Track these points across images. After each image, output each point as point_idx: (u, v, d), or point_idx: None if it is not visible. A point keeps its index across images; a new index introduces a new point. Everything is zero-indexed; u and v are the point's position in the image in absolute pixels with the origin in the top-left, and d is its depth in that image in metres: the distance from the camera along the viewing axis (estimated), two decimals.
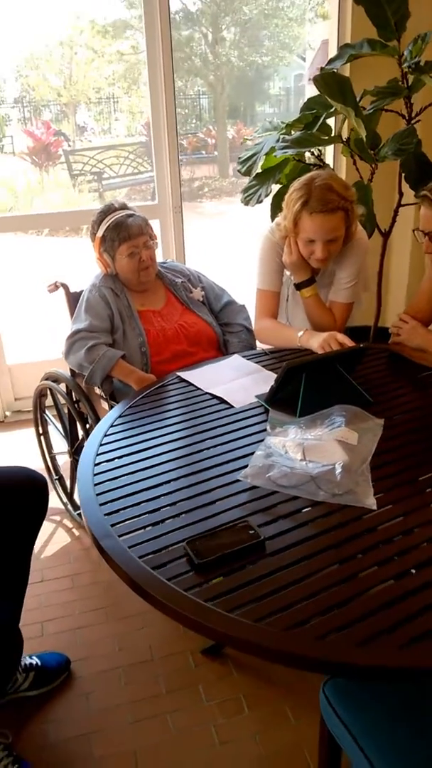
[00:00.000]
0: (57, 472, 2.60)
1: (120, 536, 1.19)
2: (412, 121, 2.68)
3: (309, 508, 1.25)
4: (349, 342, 1.83)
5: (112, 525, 1.23)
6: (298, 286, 2.12)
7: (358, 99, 2.53)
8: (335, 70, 2.70)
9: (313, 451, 1.34)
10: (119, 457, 1.49)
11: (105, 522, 1.23)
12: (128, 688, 1.82)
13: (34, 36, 14.10)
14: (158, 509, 1.28)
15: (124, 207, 2.23)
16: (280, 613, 1.01)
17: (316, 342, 1.91)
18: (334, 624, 0.99)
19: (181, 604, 1.03)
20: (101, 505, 1.29)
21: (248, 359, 2.04)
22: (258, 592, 1.05)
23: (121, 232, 2.16)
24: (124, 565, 1.12)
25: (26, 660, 1.81)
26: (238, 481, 1.34)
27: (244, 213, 2.88)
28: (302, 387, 1.59)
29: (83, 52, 13.06)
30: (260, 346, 2.35)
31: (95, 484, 1.36)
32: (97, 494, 1.32)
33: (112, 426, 1.63)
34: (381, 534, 1.18)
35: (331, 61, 2.82)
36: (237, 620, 1.00)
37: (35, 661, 1.82)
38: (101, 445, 1.53)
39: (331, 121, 2.90)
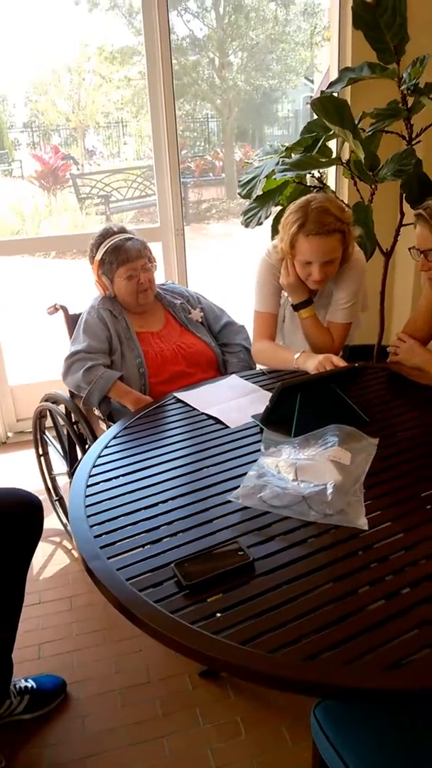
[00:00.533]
0: (57, 493, 2.60)
1: (109, 558, 1.19)
2: (413, 143, 2.70)
3: (301, 529, 1.24)
4: (343, 364, 1.83)
5: (102, 547, 1.22)
6: (296, 307, 2.12)
7: (357, 121, 2.56)
8: (335, 94, 2.73)
9: (306, 471, 1.34)
10: (112, 478, 1.48)
11: (94, 543, 1.23)
12: (125, 711, 1.79)
13: (43, 62, 14.38)
14: (149, 530, 1.27)
15: (122, 231, 2.25)
16: (266, 635, 1.00)
17: (312, 364, 1.90)
18: (321, 645, 0.97)
19: (169, 626, 1.02)
20: (92, 526, 1.28)
21: (246, 379, 2.04)
22: (246, 614, 1.04)
23: (119, 255, 2.17)
24: (112, 587, 1.11)
25: (21, 683, 1.79)
26: (231, 501, 1.34)
27: (250, 234, 2.90)
28: (297, 407, 1.59)
29: (91, 77, 13.29)
30: (259, 366, 2.35)
31: (86, 506, 1.36)
32: (88, 515, 1.32)
33: (106, 447, 1.63)
34: (373, 554, 1.17)
35: (331, 84, 2.85)
36: (224, 643, 0.99)
37: (31, 684, 1.80)
38: (95, 466, 1.53)
39: (332, 143, 2.93)
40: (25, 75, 13.90)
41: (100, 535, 1.26)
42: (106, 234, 2.23)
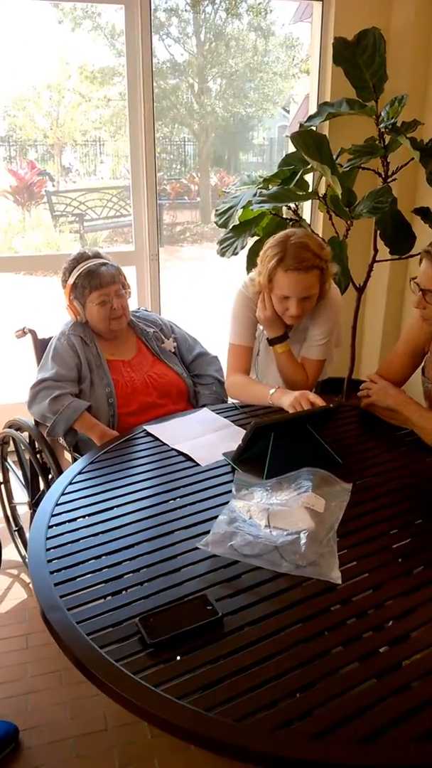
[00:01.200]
0: (17, 523, 2.50)
1: (69, 609, 1.12)
2: (388, 180, 2.72)
3: (272, 581, 1.18)
4: (320, 401, 1.80)
5: (62, 596, 1.15)
6: (271, 342, 2.09)
7: (335, 156, 2.57)
8: (314, 127, 2.74)
9: (279, 518, 1.29)
10: (77, 518, 1.41)
11: (54, 592, 1.15)
12: (80, 762, 1.70)
13: (23, 78, 14.36)
14: (114, 579, 1.21)
15: (97, 255, 2.20)
16: (234, 701, 0.94)
17: (288, 401, 1.87)
18: (289, 714, 0.92)
19: (130, 689, 0.96)
20: (52, 573, 1.21)
21: (218, 413, 1.99)
22: (212, 676, 0.98)
23: (92, 280, 2.12)
24: (70, 642, 1.05)
25: None
26: (199, 548, 1.28)
27: (223, 259, 2.88)
28: (270, 447, 1.54)
29: (71, 96, 13.30)
30: (231, 399, 2.31)
31: (47, 549, 1.29)
32: (48, 560, 1.25)
33: (71, 483, 1.56)
34: (347, 610, 1.12)
35: (310, 118, 2.87)
36: (188, 709, 0.93)
37: None
38: (58, 504, 1.46)
39: (309, 177, 2.94)
40: (4, 89, 13.83)
41: (60, 583, 1.19)
42: (80, 258, 2.18)
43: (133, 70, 2.98)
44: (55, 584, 1.18)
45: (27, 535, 2.44)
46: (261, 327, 2.14)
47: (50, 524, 1.38)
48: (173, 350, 2.32)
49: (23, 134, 14.95)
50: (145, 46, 2.93)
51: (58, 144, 14.00)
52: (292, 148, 2.71)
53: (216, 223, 2.77)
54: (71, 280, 2.14)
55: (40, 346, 2.29)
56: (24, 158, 14.16)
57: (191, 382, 2.30)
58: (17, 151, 15.91)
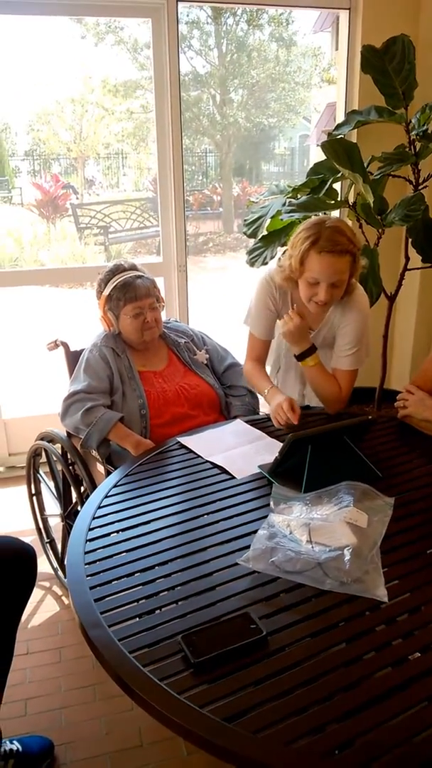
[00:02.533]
0: (48, 535, 2.50)
1: (110, 626, 1.10)
2: (420, 187, 2.69)
3: (315, 599, 1.16)
4: (294, 418, 1.88)
5: (102, 612, 1.13)
6: (300, 358, 2.06)
7: (365, 164, 2.54)
8: (343, 136, 2.72)
9: (320, 533, 1.26)
10: (113, 533, 1.40)
11: (95, 609, 1.14)
12: None
13: (47, 92, 14.58)
14: (153, 595, 1.19)
15: (133, 267, 2.20)
16: (281, 724, 0.91)
17: (272, 405, 1.90)
18: (334, 741, 0.89)
19: (176, 710, 0.94)
20: (91, 588, 1.20)
21: (251, 424, 1.97)
22: (257, 698, 0.96)
23: (127, 293, 2.12)
24: (113, 660, 1.03)
25: (6, 745, 1.68)
26: (238, 564, 1.25)
27: (246, 268, 2.88)
28: (308, 460, 1.52)
29: (94, 109, 13.46)
30: (263, 410, 2.29)
31: (86, 564, 1.27)
32: (88, 575, 1.24)
33: (107, 497, 1.55)
34: (393, 630, 1.09)
35: (338, 126, 2.85)
36: (235, 732, 0.90)
37: (16, 746, 1.69)
38: (94, 518, 1.45)
39: (337, 185, 2.92)
40: (29, 104, 14.07)
41: (100, 599, 1.17)
42: (116, 270, 2.18)
43: (160, 83, 2.99)
44: (95, 600, 1.17)
45: (59, 546, 2.44)
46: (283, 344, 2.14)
47: (87, 538, 1.37)
48: (206, 362, 2.31)
49: (47, 148, 15.17)
50: (172, 58, 2.94)
51: (82, 157, 14.17)
52: (313, 157, 2.70)
53: (245, 233, 2.76)
54: (107, 292, 2.14)
55: (72, 358, 2.29)
56: (48, 172, 14.35)
57: (223, 393, 2.28)
58: (41, 165, 16.14)
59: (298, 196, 2.64)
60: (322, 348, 2.11)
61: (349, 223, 3.15)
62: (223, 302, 7.34)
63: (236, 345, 2.51)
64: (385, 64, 2.67)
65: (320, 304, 1.94)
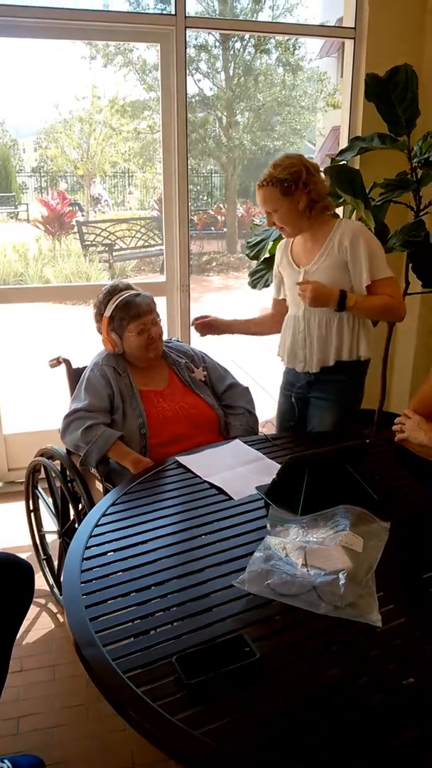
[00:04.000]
0: (45, 551, 2.50)
1: (105, 645, 1.10)
2: (421, 214, 2.73)
3: (309, 623, 1.16)
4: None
5: (97, 632, 1.14)
6: (340, 308, 2.07)
7: (367, 190, 2.58)
8: (346, 162, 2.76)
9: (316, 556, 1.27)
10: (109, 552, 1.41)
11: (89, 627, 1.14)
12: None
13: (55, 111, 14.77)
14: (149, 615, 1.19)
15: (129, 287, 2.23)
16: (274, 748, 0.92)
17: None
18: (333, 765, 0.89)
19: (169, 732, 0.94)
20: (87, 607, 1.20)
21: (250, 445, 1.98)
22: (251, 721, 0.96)
23: (130, 310, 2.14)
24: (107, 680, 1.03)
25: None
26: (234, 586, 1.26)
27: (249, 288, 2.91)
28: (305, 482, 1.53)
29: (101, 128, 13.62)
30: (262, 431, 2.30)
31: (82, 582, 1.28)
32: (83, 594, 1.24)
33: (104, 515, 1.56)
34: (387, 655, 1.09)
35: (342, 152, 2.89)
36: (228, 755, 0.90)
37: (7, 765, 1.68)
38: (91, 536, 1.46)
39: (339, 210, 2.95)
40: (37, 122, 14.23)
41: (95, 618, 1.18)
42: (113, 291, 2.20)
43: (168, 104, 3.04)
44: (90, 619, 1.17)
45: (55, 564, 2.43)
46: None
47: (84, 557, 1.37)
48: (203, 379, 2.32)
49: (54, 165, 15.33)
50: (179, 80, 3.00)
51: (88, 175, 14.31)
52: None
53: (247, 255, 2.80)
54: (108, 313, 2.16)
55: (74, 375, 2.30)
56: (54, 189, 14.49)
57: (222, 413, 2.29)
58: (48, 182, 16.30)
59: None
60: (325, 260, 2.12)
61: None
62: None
63: (241, 364, 2.53)
64: (388, 93, 2.72)
65: (269, 225, 2.19)
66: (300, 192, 2.05)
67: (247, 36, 12.66)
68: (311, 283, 2.06)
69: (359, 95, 3.18)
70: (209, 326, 2.36)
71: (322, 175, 2.13)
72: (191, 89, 14.03)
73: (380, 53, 3.11)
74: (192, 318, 2.40)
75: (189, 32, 2.96)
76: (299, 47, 13.72)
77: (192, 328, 2.42)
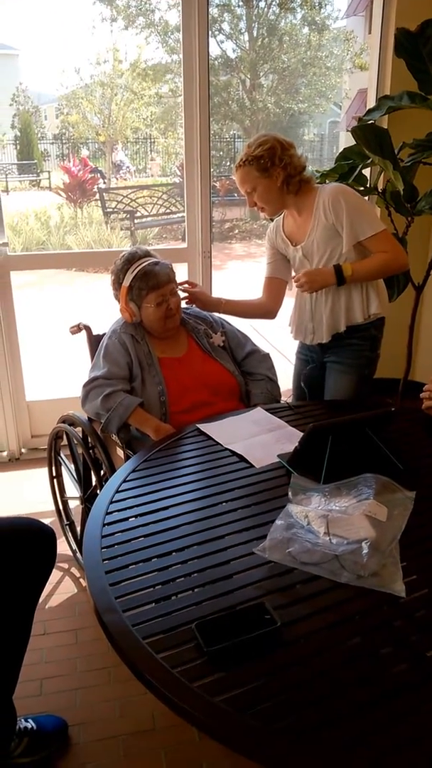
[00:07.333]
0: (68, 517, 2.52)
1: (125, 611, 1.10)
2: None
3: (331, 591, 1.14)
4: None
5: (117, 597, 1.13)
6: (340, 282, 2.09)
7: (396, 151, 2.49)
8: (373, 121, 2.67)
9: (338, 525, 1.25)
10: (130, 518, 1.40)
11: (110, 593, 1.14)
12: (127, 761, 1.69)
13: (76, 76, 14.55)
14: (169, 581, 1.19)
15: (147, 254, 2.18)
16: (293, 716, 0.91)
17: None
18: (352, 734, 0.88)
19: (188, 699, 0.93)
20: (107, 573, 1.20)
21: (272, 412, 1.96)
22: (270, 690, 0.95)
23: (149, 281, 2.10)
24: (126, 646, 1.03)
25: (21, 723, 1.70)
26: (254, 554, 1.25)
27: None
28: (328, 451, 1.50)
29: (123, 93, 13.41)
30: (284, 398, 2.27)
31: (103, 548, 1.27)
32: (104, 560, 1.24)
33: (125, 481, 1.55)
34: (411, 625, 1.07)
35: (369, 111, 2.80)
36: (246, 723, 0.89)
37: (30, 724, 1.71)
38: (112, 502, 1.45)
39: (366, 171, 2.87)
40: (58, 88, 14.06)
41: (115, 584, 1.17)
42: (132, 259, 2.16)
43: (189, 67, 2.95)
44: (110, 585, 1.17)
45: (78, 529, 2.45)
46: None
47: (105, 522, 1.37)
48: (222, 344, 2.28)
49: (75, 132, 15.18)
50: (202, 41, 2.90)
51: (110, 142, 14.15)
52: (342, 144, 2.66)
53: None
54: (126, 282, 2.12)
55: (94, 341, 2.29)
56: (76, 156, 14.37)
57: (242, 380, 2.26)
58: (69, 149, 16.17)
59: (327, 181, 2.60)
60: (323, 244, 2.13)
61: (378, 210, 3.12)
62: (247, 290, 7.31)
63: (262, 332, 2.50)
64: (419, 48, 2.61)
65: (250, 207, 2.19)
66: (277, 168, 2.07)
67: None
68: (303, 274, 2.09)
69: (388, 53, 3.07)
70: (196, 298, 2.31)
71: (297, 150, 2.13)
72: (214, 51, 13.73)
73: (411, 7, 2.98)
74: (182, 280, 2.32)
75: None
76: (325, 5, 13.31)
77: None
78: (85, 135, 15.02)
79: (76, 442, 2.25)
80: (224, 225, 12.08)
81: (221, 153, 14.73)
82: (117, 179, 14.06)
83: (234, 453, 1.70)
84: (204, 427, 1.87)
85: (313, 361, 2.37)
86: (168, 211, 10.60)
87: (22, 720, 1.70)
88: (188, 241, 3.22)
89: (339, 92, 15.29)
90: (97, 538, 1.31)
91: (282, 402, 2.18)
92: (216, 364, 2.22)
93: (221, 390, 2.18)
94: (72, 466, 2.41)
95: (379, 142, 2.39)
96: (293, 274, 2.30)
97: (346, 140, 12.08)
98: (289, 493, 1.40)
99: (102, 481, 2.15)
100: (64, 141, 16.79)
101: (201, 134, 3.04)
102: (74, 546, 2.46)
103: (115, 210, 10.32)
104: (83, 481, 2.29)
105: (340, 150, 2.78)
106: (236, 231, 12.04)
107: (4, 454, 3.28)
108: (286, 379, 2.48)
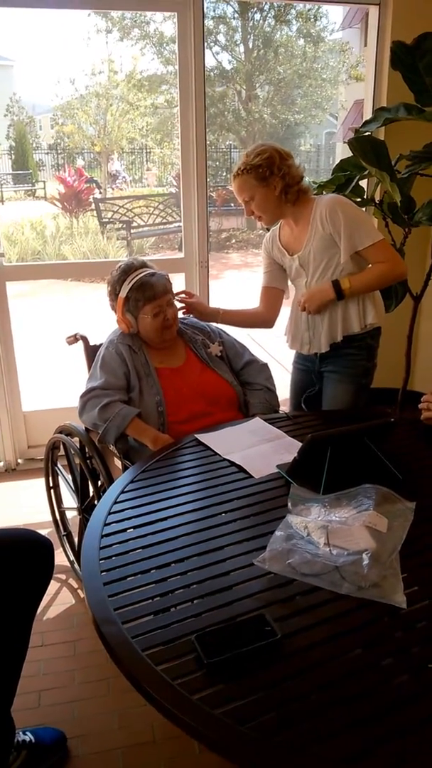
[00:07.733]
0: (65, 528, 2.51)
1: (124, 623, 1.09)
2: None
3: (331, 602, 1.14)
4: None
5: (116, 609, 1.13)
6: (340, 297, 2.13)
7: (393, 163, 2.51)
8: (370, 133, 2.68)
9: (338, 536, 1.24)
10: (128, 528, 1.39)
11: (108, 605, 1.13)
12: None
13: (71, 86, 14.63)
14: (168, 593, 1.18)
15: (144, 265, 2.18)
16: (293, 729, 0.90)
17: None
18: (353, 747, 0.87)
19: (188, 711, 0.93)
20: (105, 584, 1.19)
21: (270, 422, 1.96)
22: (271, 701, 0.95)
23: (146, 292, 2.10)
24: (125, 658, 1.02)
25: (19, 736, 1.68)
26: (254, 564, 1.24)
27: None
28: (327, 461, 1.50)
29: (118, 104, 13.47)
30: (283, 408, 2.27)
31: (101, 559, 1.27)
32: (102, 571, 1.23)
33: (123, 492, 1.55)
34: (412, 636, 1.07)
35: (366, 123, 2.81)
36: (247, 736, 0.89)
37: (29, 737, 1.70)
38: (110, 513, 1.44)
39: (363, 183, 2.88)
40: (53, 98, 14.11)
41: (113, 595, 1.17)
42: (128, 270, 2.16)
43: (185, 78, 2.97)
44: (109, 596, 1.16)
45: (75, 539, 2.44)
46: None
47: (103, 533, 1.36)
48: (220, 354, 2.29)
49: (71, 142, 15.23)
50: (197, 53, 2.93)
51: (105, 152, 14.20)
52: (339, 154, 2.69)
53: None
54: (123, 293, 2.13)
55: (91, 352, 2.29)
56: (72, 166, 14.41)
57: (241, 390, 2.26)
58: (65, 159, 16.21)
59: (324, 192, 2.61)
60: (320, 254, 2.15)
61: (375, 221, 3.13)
62: (244, 299, 7.32)
63: (260, 341, 2.50)
64: (415, 61, 2.63)
65: (247, 215, 2.19)
66: (275, 177, 2.09)
67: (266, 6, 12.38)
68: (303, 294, 2.16)
69: (384, 65, 3.09)
70: (193, 308, 2.32)
71: (296, 160, 2.15)
72: (209, 62, 13.80)
73: (407, 20, 3.01)
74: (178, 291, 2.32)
75: (207, 1, 2.88)
76: (320, 18, 13.41)
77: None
78: (80, 145, 15.07)
79: (73, 452, 2.25)
80: (221, 234, 12.12)
81: (217, 163, 14.80)
82: (113, 189, 14.10)
83: (233, 463, 1.70)
84: (202, 437, 1.87)
85: (310, 372, 2.38)
86: (164, 221, 10.63)
87: (21, 733, 1.69)
88: (185, 251, 3.23)
89: (335, 103, 15.39)
90: (96, 549, 1.31)
91: (280, 412, 2.18)
92: (214, 374, 2.22)
93: (219, 400, 2.18)
94: (69, 477, 2.40)
95: (376, 154, 2.40)
96: (289, 283, 2.31)
97: (342, 151, 12.15)
98: (289, 504, 1.40)
99: (99, 492, 2.15)
100: (59, 151, 16.83)
101: (197, 144, 3.05)
102: (72, 557, 2.45)
103: (111, 220, 10.34)
104: (80, 492, 2.28)
105: (337, 161, 2.80)
106: (233, 240, 12.08)
107: (1, 464, 3.27)
108: (284, 389, 2.48)
